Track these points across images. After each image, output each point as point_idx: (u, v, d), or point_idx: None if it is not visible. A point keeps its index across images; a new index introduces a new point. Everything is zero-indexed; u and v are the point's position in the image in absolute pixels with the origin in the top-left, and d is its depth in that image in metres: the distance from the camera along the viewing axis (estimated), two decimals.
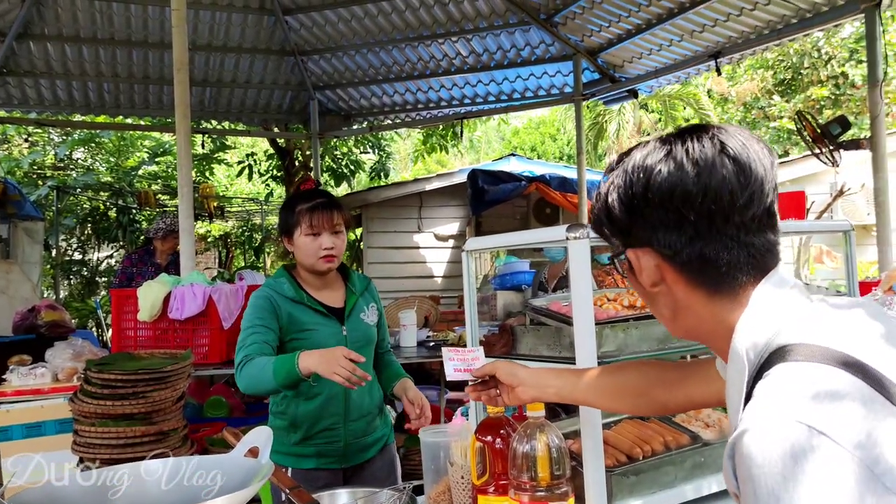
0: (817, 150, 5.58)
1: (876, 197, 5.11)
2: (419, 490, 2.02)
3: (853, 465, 0.76)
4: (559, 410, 2.10)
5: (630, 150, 1.10)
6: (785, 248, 9.79)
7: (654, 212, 1.02)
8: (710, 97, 18.15)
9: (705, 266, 1.02)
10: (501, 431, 1.64)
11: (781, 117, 15.07)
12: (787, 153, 15.65)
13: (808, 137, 5.66)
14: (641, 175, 1.03)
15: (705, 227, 1.00)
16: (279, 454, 2.59)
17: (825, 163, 5.59)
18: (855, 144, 5.39)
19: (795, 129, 6.02)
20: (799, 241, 9.10)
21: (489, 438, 1.64)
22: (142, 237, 11.56)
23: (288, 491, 1.67)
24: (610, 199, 1.08)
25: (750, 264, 1.01)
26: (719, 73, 6.92)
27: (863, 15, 5.26)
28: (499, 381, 1.60)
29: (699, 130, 1.05)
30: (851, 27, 12.54)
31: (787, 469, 0.78)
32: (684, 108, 17.91)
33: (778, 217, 1.05)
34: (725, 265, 1.01)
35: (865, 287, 3.76)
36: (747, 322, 0.98)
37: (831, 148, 5.47)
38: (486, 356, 1.95)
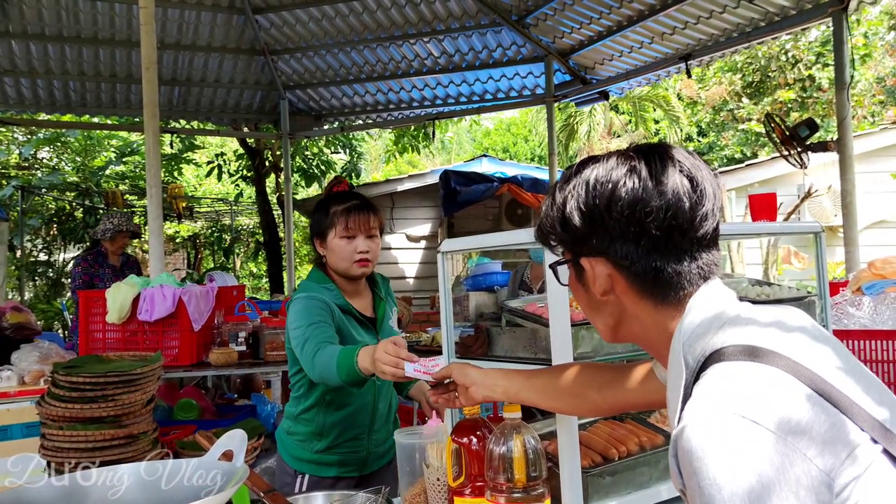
0: (786, 152, 5.65)
1: (843, 198, 5.18)
2: (393, 491, 2.01)
3: (786, 450, 0.82)
4: (535, 412, 2.10)
5: (583, 163, 1.16)
6: (753, 248, 9.94)
7: (615, 223, 1.07)
8: (679, 100, 18.35)
9: (658, 277, 1.08)
10: (477, 433, 1.64)
11: (749, 119, 15.28)
12: (755, 155, 15.88)
13: (777, 140, 5.73)
14: (606, 188, 1.08)
15: (663, 241, 1.06)
16: (298, 461, 2.56)
17: (794, 165, 5.66)
18: (822, 147, 5.47)
19: (764, 131, 6.10)
20: (767, 242, 9.21)
21: (465, 440, 1.64)
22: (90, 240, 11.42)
23: (262, 494, 1.65)
24: (568, 208, 1.12)
25: (698, 276, 1.09)
26: (689, 76, 6.99)
27: (830, 19, 5.34)
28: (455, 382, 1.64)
29: (656, 149, 1.11)
30: (818, 31, 12.75)
31: (726, 458, 0.82)
32: (654, 110, 18.08)
33: (719, 234, 1.13)
34: (676, 277, 1.08)
35: (834, 288, 3.82)
36: (685, 329, 1.04)
37: (799, 150, 5.55)
38: (462, 358, 1.95)
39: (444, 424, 1.97)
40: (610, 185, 1.08)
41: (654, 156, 1.09)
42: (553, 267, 1.23)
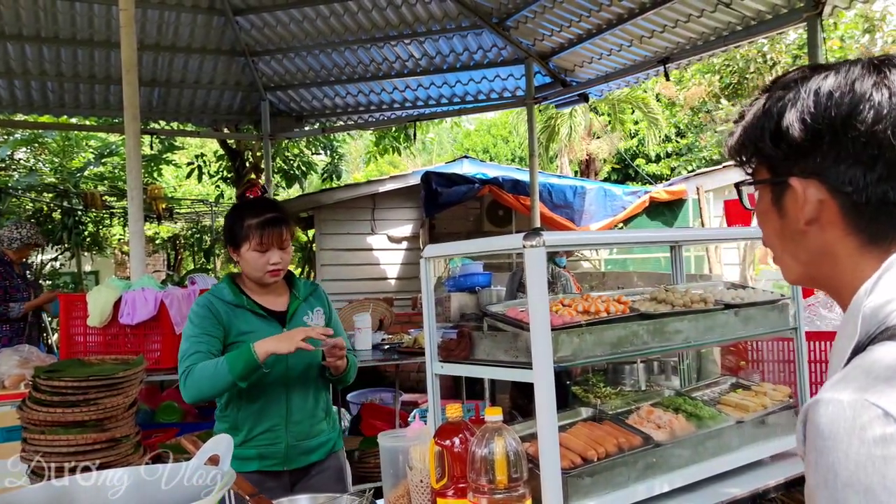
0: None
1: None
2: (377, 493, 2.03)
3: None
4: (516, 414, 2.15)
5: (813, 70, 1.00)
6: (731, 249, 10.05)
7: (849, 142, 0.92)
8: (658, 101, 18.49)
9: (881, 211, 0.93)
10: (460, 435, 1.67)
11: (728, 121, 15.42)
12: None
13: None
14: (846, 99, 0.93)
15: None
16: None
17: None
18: None
19: None
20: (745, 243, 9.32)
21: (448, 442, 1.67)
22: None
23: (248, 498, 1.67)
24: (787, 119, 0.97)
25: None
26: (668, 78, 7.05)
27: (805, 23, 5.42)
28: None
29: None
30: (795, 34, 12.91)
31: (851, 449, 0.76)
32: (633, 112, 18.21)
33: None
34: None
35: (808, 289, 3.89)
36: (875, 286, 0.90)
37: None
38: (444, 361, 1.98)
39: (428, 427, 2.00)
40: (852, 97, 0.92)
41: None
42: (741, 186, 1.08)
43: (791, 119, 0.96)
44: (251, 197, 2.91)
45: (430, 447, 1.71)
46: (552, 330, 1.66)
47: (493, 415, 1.59)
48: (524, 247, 1.63)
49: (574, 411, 2.11)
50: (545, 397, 1.63)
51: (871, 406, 0.76)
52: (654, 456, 1.84)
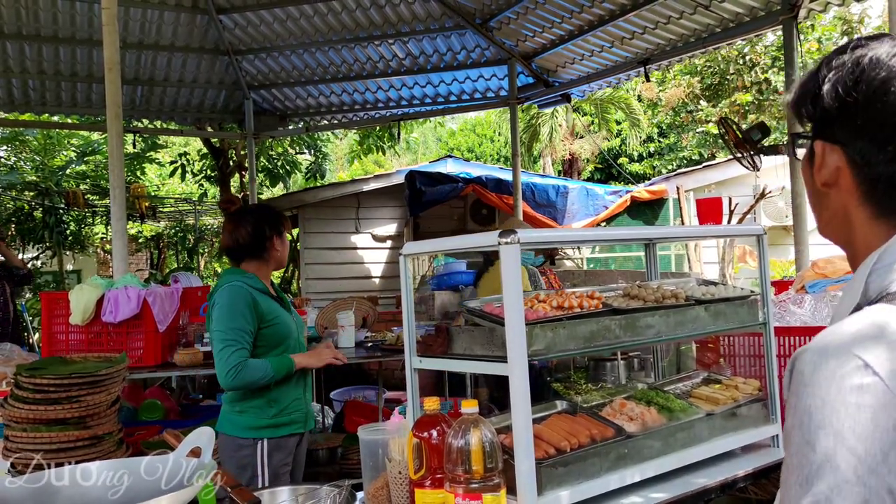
0: (739, 155, 5.81)
1: (793, 199, 5.35)
2: (358, 488, 2.07)
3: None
4: (493, 407, 2.20)
5: (871, 39, 1.00)
6: (710, 248, 10.16)
7: (870, 117, 0.94)
8: (640, 101, 18.59)
9: (889, 189, 0.95)
10: (437, 427, 1.71)
11: (708, 122, 15.55)
12: (713, 156, 16.18)
13: (730, 143, 5.89)
14: (879, 74, 0.93)
15: None
16: (255, 429, 3.08)
17: (746, 167, 5.82)
18: (774, 150, 5.64)
19: (719, 134, 6.26)
20: (723, 242, 9.43)
21: (426, 434, 1.71)
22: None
23: (229, 490, 1.71)
24: (825, 87, 0.99)
25: None
26: (648, 79, 7.13)
27: (781, 26, 5.51)
28: None
29: None
30: (774, 35, 13.04)
31: (829, 395, 0.79)
32: (616, 112, 18.30)
33: None
34: None
35: (783, 285, 3.97)
36: (882, 256, 0.94)
37: (752, 153, 5.71)
38: (423, 356, 2.03)
39: (407, 421, 2.04)
40: (884, 73, 0.92)
41: None
42: (792, 138, 1.11)
43: (828, 87, 0.98)
44: (231, 204, 3.79)
45: (408, 439, 1.75)
46: (526, 324, 1.71)
47: (470, 407, 1.63)
48: (499, 244, 1.68)
49: (549, 404, 2.16)
50: (520, 390, 1.68)
51: (853, 357, 0.80)
52: (626, 447, 1.89)
